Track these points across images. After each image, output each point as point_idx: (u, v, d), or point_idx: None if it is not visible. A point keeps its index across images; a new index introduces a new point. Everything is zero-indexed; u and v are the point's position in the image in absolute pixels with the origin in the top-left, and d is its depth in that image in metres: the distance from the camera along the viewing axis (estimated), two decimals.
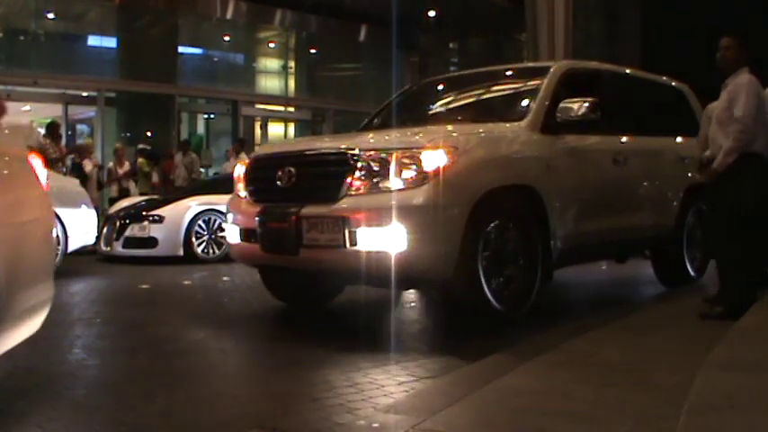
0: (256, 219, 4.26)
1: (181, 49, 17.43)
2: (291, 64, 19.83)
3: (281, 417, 2.57)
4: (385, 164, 3.88)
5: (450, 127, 4.84)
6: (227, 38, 18.94)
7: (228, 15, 18.08)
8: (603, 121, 4.98)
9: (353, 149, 4.02)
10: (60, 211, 7.25)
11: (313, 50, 20.07)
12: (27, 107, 15.33)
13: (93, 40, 17.11)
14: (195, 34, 18.44)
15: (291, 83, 19.34)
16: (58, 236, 7.14)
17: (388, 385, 3.01)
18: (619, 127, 5.43)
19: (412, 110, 5.76)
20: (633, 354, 3.27)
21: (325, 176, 4.13)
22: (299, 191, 4.15)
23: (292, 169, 4.20)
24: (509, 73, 5.70)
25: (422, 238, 3.76)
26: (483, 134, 4.42)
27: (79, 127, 16.46)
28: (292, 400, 2.81)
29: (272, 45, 20.11)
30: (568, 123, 4.63)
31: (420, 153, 3.85)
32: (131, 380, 3.21)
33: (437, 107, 5.80)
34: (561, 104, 4.61)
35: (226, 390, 3.04)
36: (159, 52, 16.67)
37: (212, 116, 18.70)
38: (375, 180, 3.89)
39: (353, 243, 3.84)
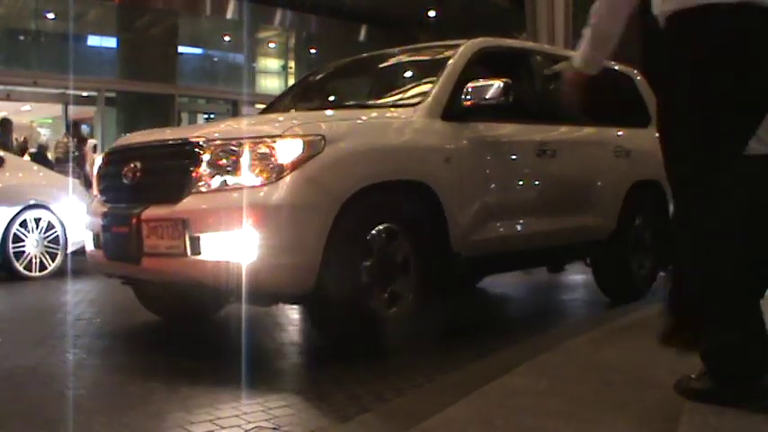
0: (101, 222, 3.76)
1: (181, 49, 17.45)
2: (291, 64, 19.86)
3: (282, 418, 2.57)
4: (235, 156, 3.29)
5: (322, 113, 4.27)
6: (227, 38, 18.95)
7: (228, 15, 18.08)
8: (527, 107, 4.57)
9: (200, 139, 3.42)
10: (60, 209, 7.25)
11: (313, 50, 20.09)
12: (27, 107, 15.34)
13: (93, 40, 17.13)
14: (195, 34, 18.45)
15: (291, 83, 19.38)
16: (58, 235, 7.15)
17: (387, 385, 3.00)
18: (547, 114, 4.74)
19: (309, 97, 5.12)
20: (633, 354, 3.27)
21: (168, 171, 3.55)
22: (144, 189, 3.59)
23: (138, 164, 3.63)
24: (419, 53, 4.95)
25: (275, 245, 3.16)
26: (362, 121, 3.79)
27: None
28: (286, 398, 2.81)
29: (272, 45, 20.13)
30: (478, 109, 3.97)
31: (275, 143, 3.26)
32: None
33: (334, 92, 5.22)
34: (468, 86, 3.94)
35: None
36: (159, 52, 16.69)
37: (212, 116, 18.72)
38: (224, 175, 3.29)
39: (196, 251, 3.25)
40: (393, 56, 5.08)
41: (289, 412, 2.63)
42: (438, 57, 4.43)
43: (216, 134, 3.46)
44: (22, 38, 16.01)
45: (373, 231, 3.45)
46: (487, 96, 3.87)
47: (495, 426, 2.11)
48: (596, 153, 5.06)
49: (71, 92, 15.46)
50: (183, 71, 17.25)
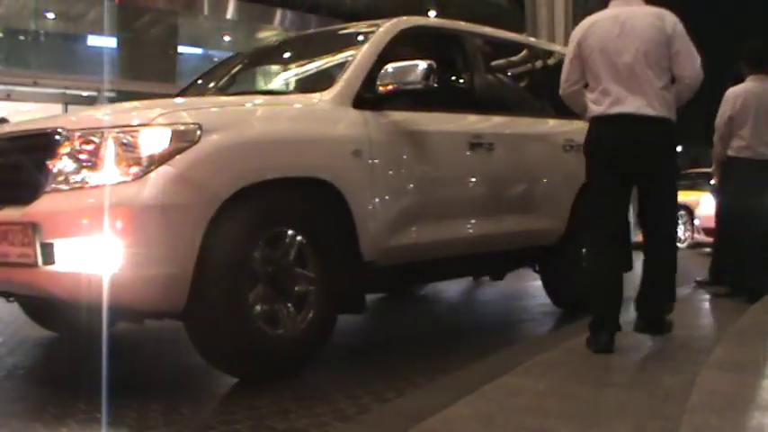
0: None
1: (181, 49, 17.46)
2: None
3: (279, 418, 2.57)
4: (95, 148, 2.78)
5: (204, 99, 3.87)
6: (227, 38, 18.96)
7: (228, 15, 18.10)
8: (459, 94, 4.20)
9: (56, 129, 2.90)
10: None
11: None
12: (27, 107, 15.35)
13: (93, 40, 17.14)
14: (195, 34, 18.46)
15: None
16: None
17: (387, 385, 3.00)
18: (484, 103, 4.26)
19: (218, 84, 4.43)
20: (633, 354, 3.27)
21: (22, 167, 3.01)
22: (1, 187, 3.09)
23: None
24: (343, 34, 4.33)
25: (139, 253, 2.68)
26: (250, 108, 3.28)
27: None
28: (283, 400, 2.81)
29: None
30: (397, 95, 3.49)
31: (139, 133, 2.77)
32: None
33: (246, 78, 4.62)
34: (384, 69, 3.46)
35: None
36: (159, 52, 16.70)
37: None
38: (82, 171, 2.79)
39: (49, 260, 2.74)
40: (314, 38, 4.64)
41: (289, 412, 2.63)
42: (358, 38, 3.88)
43: (74, 123, 2.96)
44: (22, 38, 16.01)
45: (264, 238, 2.95)
46: (407, 80, 3.39)
47: (495, 425, 2.11)
48: (542, 146, 4.57)
49: (71, 92, 15.48)
50: (183, 71, 17.25)
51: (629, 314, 4.08)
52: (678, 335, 3.67)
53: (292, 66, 4.46)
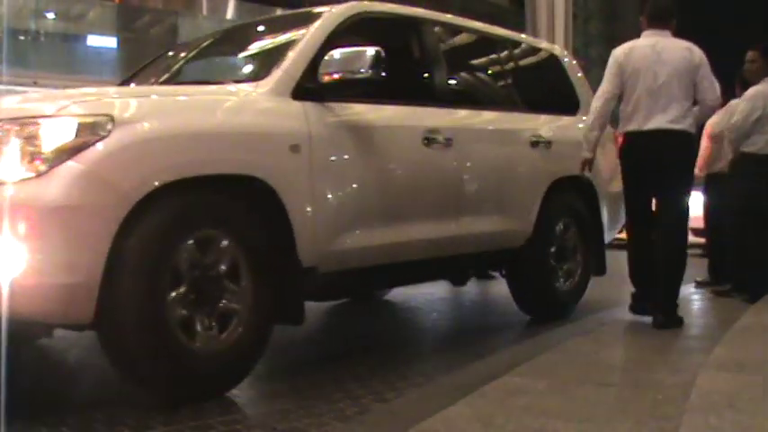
0: None
1: None
2: None
3: (279, 418, 2.57)
4: None
5: (121, 88, 3.63)
6: None
7: (228, 15, 18.10)
8: (415, 86, 3.93)
9: None
10: None
11: None
12: None
13: (93, 40, 17.14)
14: (195, 34, 18.45)
15: None
16: None
17: (387, 385, 3.00)
18: (443, 96, 3.97)
19: (163, 73, 4.06)
20: (633, 354, 3.27)
21: None
22: None
23: None
24: (295, 19, 3.98)
25: (41, 259, 2.42)
26: (173, 98, 2.95)
27: None
28: (283, 399, 2.81)
29: None
30: (343, 85, 3.22)
31: (42, 124, 2.50)
32: None
33: (184, 68, 4.14)
34: (328, 56, 3.23)
35: None
36: (159, 52, 16.69)
37: None
38: None
39: None
40: (266, 23, 4.34)
41: (289, 412, 2.63)
42: (307, 23, 3.54)
43: None
44: (22, 38, 16.01)
45: (186, 242, 2.68)
46: (353, 69, 3.14)
47: (495, 425, 2.11)
48: (507, 142, 4.25)
49: (71, 91, 15.46)
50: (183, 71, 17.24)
51: (626, 316, 4.09)
52: (678, 335, 3.67)
53: (238, 53, 4.07)
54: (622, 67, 3.95)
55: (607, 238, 4.99)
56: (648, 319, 3.82)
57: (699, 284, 5.57)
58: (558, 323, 4.33)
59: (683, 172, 3.97)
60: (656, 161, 3.88)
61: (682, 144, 3.91)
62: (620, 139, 4.17)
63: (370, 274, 3.52)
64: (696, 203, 10.79)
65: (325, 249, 3.15)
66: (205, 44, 4.27)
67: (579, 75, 5.11)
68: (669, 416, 2.17)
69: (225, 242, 2.80)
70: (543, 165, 4.41)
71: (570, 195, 4.62)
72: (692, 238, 10.20)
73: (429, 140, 3.67)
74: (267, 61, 3.42)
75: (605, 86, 3.99)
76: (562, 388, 2.55)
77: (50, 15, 16.25)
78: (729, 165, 5.10)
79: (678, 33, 4.07)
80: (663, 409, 2.25)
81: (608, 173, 4.84)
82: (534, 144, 4.37)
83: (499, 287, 5.48)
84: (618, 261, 6.76)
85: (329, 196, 3.19)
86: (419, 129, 3.65)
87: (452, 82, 4.16)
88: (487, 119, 4.20)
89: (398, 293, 5.65)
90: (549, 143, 4.43)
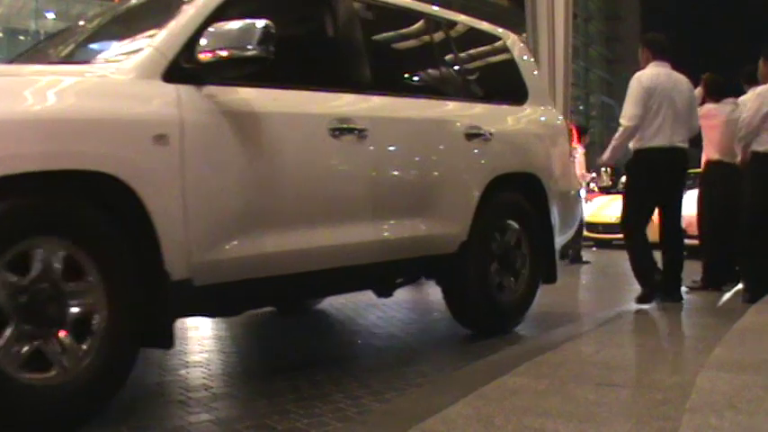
0: None
1: None
2: None
3: (279, 418, 2.57)
4: None
5: None
6: None
7: None
8: (322, 68, 3.39)
9: None
10: None
11: None
12: None
13: None
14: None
15: None
16: None
17: (387, 385, 3.00)
18: (357, 80, 3.45)
19: (37, 56, 3.57)
20: (633, 354, 3.27)
21: None
22: None
23: None
24: None
25: None
26: (8, 79, 2.43)
27: None
28: (283, 400, 2.81)
29: None
30: (227, 65, 2.70)
31: None
32: None
33: (71, 46, 3.45)
34: (207, 31, 2.72)
35: None
36: None
37: None
38: None
39: None
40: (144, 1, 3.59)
41: (289, 412, 2.63)
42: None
43: None
44: (22, 38, 16.01)
45: (11, 252, 2.22)
46: (237, 46, 2.64)
47: (494, 425, 2.11)
48: (437, 134, 3.76)
49: None
50: None
51: (626, 316, 4.09)
52: (678, 335, 3.67)
53: (124, 30, 3.40)
54: (649, 92, 4.58)
55: (559, 241, 4.57)
56: (644, 315, 3.82)
57: (691, 290, 5.55)
58: (557, 324, 4.33)
59: (684, 183, 4.93)
60: (673, 173, 4.70)
61: (687, 160, 4.81)
62: (634, 154, 4.72)
63: (262, 287, 2.98)
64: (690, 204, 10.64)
65: (201, 259, 2.65)
66: (98, 21, 3.68)
67: (529, 62, 4.67)
68: (669, 416, 2.17)
69: (69, 249, 2.32)
70: (481, 160, 3.92)
71: (514, 195, 4.14)
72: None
73: (338, 131, 3.16)
74: (145, 38, 2.86)
75: (636, 110, 4.58)
76: (562, 388, 2.55)
77: (50, 15, 16.26)
78: (740, 164, 5.09)
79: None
80: (663, 409, 2.25)
81: (560, 170, 4.48)
82: (470, 136, 3.86)
83: None
84: (617, 261, 6.82)
85: (207, 196, 2.69)
86: (325, 118, 3.15)
87: (373, 65, 3.55)
88: (413, 107, 3.68)
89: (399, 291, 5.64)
90: (488, 136, 3.94)
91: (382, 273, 3.58)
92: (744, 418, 2.11)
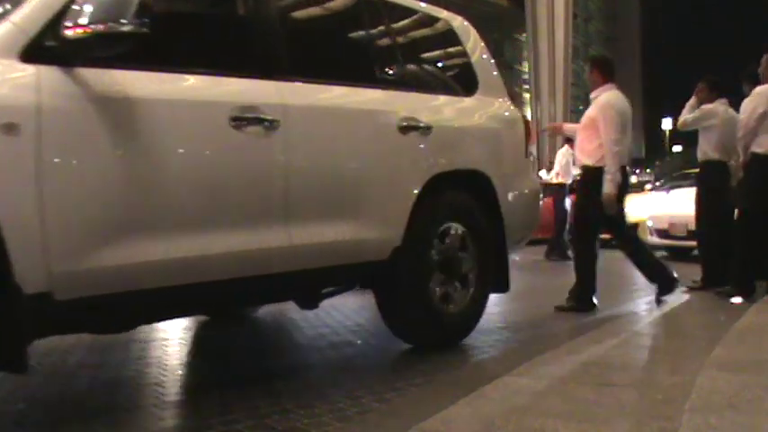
0: None
1: None
2: None
3: (279, 418, 2.57)
4: None
5: None
6: None
7: None
8: (222, 49, 2.97)
9: None
10: None
11: None
12: None
13: None
14: None
15: None
16: None
17: (387, 385, 3.00)
18: (269, 64, 3.02)
19: None
20: (633, 354, 3.27)
21: None
22: None
23: None
24: None
25: None
26: None
27: None
28: (283, 400, 2.81)
29: None
30: (102, 44, 2.33)
31: None
32: None
33: None
34: (76, 3, 2.35)
35: None
36: None
37: None
38: None
39: None
40: None
41: (289, 412, 2.63)
42: None
43: None
44: None
45: None
46: (109, 20, 2.28)
47: (495, 426, 2.11)
48: (364, 126, 3.34)
49: None
50: None
51: (626, 316, 4.08)
52: (678, 335, 3.67)
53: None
54: (623, 116, 4.91)
55: (513, 247, 4.15)
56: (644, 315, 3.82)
57: (690, 290, 5.56)
58: (557, 324, 4.32)
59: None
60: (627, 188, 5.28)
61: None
62: (595, 171, 4.86)
63: (150, 300, 2.58)
64: (662, 202, 10.49)
65: (65, 269, 2.29)
66: None
67: (481, 49, 4.20)
68: (669, 416, 2.17)
69: None
70: (418, 156, 3.52)
71: (460, 195, 3.74)
72: (657, 240, 9.63)
73: (241, 121, 2.77)
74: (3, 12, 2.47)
75: (618, 135, 4.82)
76: (562, 388, 2.55)
77: None
78: (742, 165, 5.11)
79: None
80: (663, 409, 2.25)
81: (513, 168, 4.10)
82: (405, 129, 3.46)
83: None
84: (617, 261, 6.72)
85: (72, 196, 2.33)
86: (225, 106, 2.75)
87: (288, 46, 3.15)
88: (335, 96, 3.28)
89: None
90: (427, 129, 3.54)
91: (299, 282, 3.14)
92: (744, 418, 2.11)
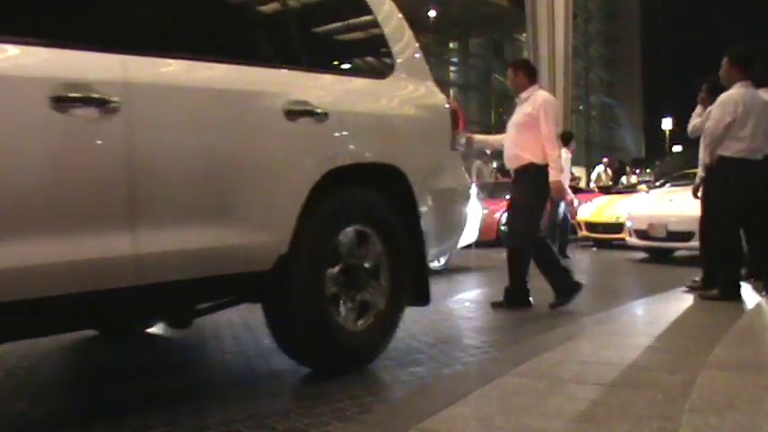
0: None
1: None
2: None
3: (279, 418, 2.57)
4: None
5: None
6: None
7: None
8: (45, 13, 2.34)
9: None
10: None
11: None
12: None
13: None
14: None
15: None
16: None
17: (387, 385, 3.00)
18: (108, 35, 2.45)
19: None
20: (633, 354, 3.27)
21: None
22: None
23: None
24: None
25: None
26: None
27: None
28: (283, 400, 2.81)
29: None
30: None
31: None
32: None
33: None
34: None
35: None
36: None
37: None
38: None
39: None
40: None
41: (289, 412, 2.63)
42: None
43: None
44: None
45: None
46: None
47: (495, 426, 2.11)
48: (235, 111, 2.76)
49: None
50: None
51: (626, 316, 4.08)
52: (677, 335, 3.67)
53: None
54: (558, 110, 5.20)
55: (435, 252, 3.66)
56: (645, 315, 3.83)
57: (690, 289, 5.57)
58: (557, 324, 4.32)
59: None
60: None
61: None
62: (541, 169, 4.99)
63: None
64: (642, 202, 10.47)
65: None
66: None
67: (399, 24, 3.58)
68: (669, 416, 2.17)
69: None
70: (310, 147, 2.97)
71: (365, 193, 3.20)
72: (635, 241, 9.54)
73: (66, 102, 2.25)
74: None
75: (556, 128, 5.12)
76: (562, 388, 2.55)
77: None
78: (706, 168, 5.26)
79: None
80: (663, 409, 2.25)
81: (435, 162, 3.58)
82: (294, 114, 2.90)
83: (499, 285, 5.50)
84: (617, 261, 6.81)
85: None
86: (43, 82, 2.22)
87: (136, 10, 2.60)
88: (200, 73, 2.68)
89: None
90: (323, 115, 2.99)
91: (155, 298, 2.56)
92: (744, 418, 2.11)
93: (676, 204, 8.72)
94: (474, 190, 8.23)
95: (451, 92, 40.58)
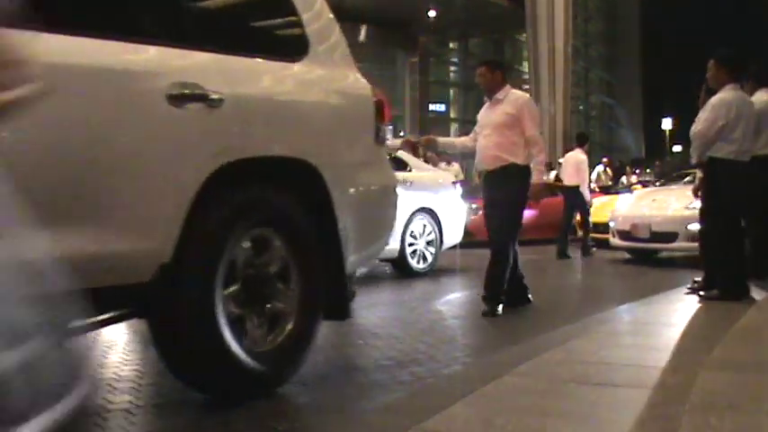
0: None
1: None
2: None
3: (280, 418, 2.57)
4: None
5: None
6: None
7: None
8: None
9: None
10: None
11: None
12: None
13: None
14: None
15: None
16: None
17: (387, 385, 3.00)
18: None
19: None
20: (633, 354, 3.27)
21: None
22: None
23: None
24: None
25: None
26: None
27: None
28: (283, 400, 2.81)
29: None
30: None
31: None
32: None
33: None
34: None
35: None
36: None
37: None
38: None
39: None
40: None
41: (289, 412, 2.63)
42: None
43: None
44: None
45: None
46: None
47: (495, 426, 2.11)
48: (103, 94, 2.36)
49: None
50: None
51: (626, 316, 4.08)
52: (678, 335, 3.67)
53: None
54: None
55: (357, 261, 3.22)
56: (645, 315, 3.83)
57: (692, 290, 5.57)
58: (557, 324, 4.32)
59: None
60: None
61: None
62: (524, 169, 4.93)
63: None
64: (626, 202, 10.39)
65: None
66: None
67: (317, 2, 3.18)
68: (669, 416, 2.17)
69: None
70: (199, 137, 2.56)
71: (273, 192, 2.82)
72: (618, 242, 9.45)
73: None
74: None
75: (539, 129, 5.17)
76: (562, 388, 2.55)
77: None
78: (703, 169, 5.26)
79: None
80: (663, 409, 2.25)
81: (354, 156, 3.18)
82: (179, 99, 2.49)
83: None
84: (617, 261, 6.83)
85: None
86: None
87: None
88: (58, 49, 2.21)
89: (399, 287, 5.63)
90: (216, 100, 2.58)
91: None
92: (744, 418, 2.11)
93: (660, 205, 8.58)
94: (458, 190, 8.24)
95: (451, 92, 40.72)
